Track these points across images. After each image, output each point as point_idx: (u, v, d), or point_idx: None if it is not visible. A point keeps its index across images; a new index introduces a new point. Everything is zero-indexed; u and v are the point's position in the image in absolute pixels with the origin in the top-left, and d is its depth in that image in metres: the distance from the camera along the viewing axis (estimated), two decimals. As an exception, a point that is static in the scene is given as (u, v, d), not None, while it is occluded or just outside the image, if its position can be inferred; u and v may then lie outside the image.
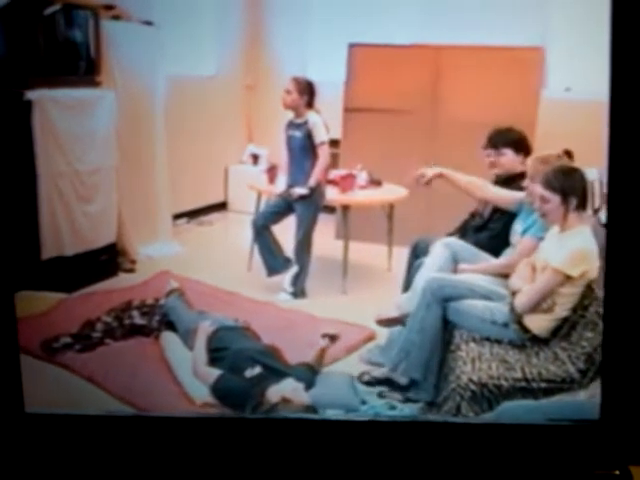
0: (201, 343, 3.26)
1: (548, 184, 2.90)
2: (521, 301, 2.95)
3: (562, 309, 2.90)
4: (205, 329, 3.30)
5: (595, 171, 2.92)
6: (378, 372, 3.24)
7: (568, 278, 2.86)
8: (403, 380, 3.14)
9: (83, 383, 3.09)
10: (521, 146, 3.36)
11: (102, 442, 2.62)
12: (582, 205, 2.90)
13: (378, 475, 2.55)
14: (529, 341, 2.94)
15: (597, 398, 2.64)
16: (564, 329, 2.92)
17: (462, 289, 3.13)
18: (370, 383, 3.20)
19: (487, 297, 3.12)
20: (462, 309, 3.08)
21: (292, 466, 2.57)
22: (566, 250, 2.88)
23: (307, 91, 3.91)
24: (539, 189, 2.92)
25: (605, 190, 2.91)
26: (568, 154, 3.05)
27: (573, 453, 2.53)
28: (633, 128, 2.42)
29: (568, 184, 2.89)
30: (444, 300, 3.11)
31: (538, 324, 2.93)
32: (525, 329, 2.95)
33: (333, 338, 3.27)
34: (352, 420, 2.75)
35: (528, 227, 3.15)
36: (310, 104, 3.92)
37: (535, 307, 2.92)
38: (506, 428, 2.60)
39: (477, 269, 3.26)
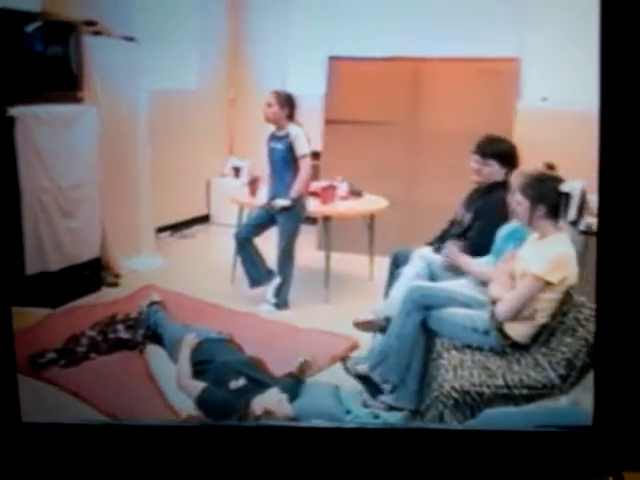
0: (185, 356, 3.26)
1: (522, 189, 3.00)
2: (503, 309, 2.97)
3: (542, 315, 2.93)
4: (189, 342, 3.30)
5: (579, 183, 3.00)
6: (361, 367, 3.27)
7: (548, 284, 2.89)
8: (385, 387, 3.16)
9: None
10: (508, 159, 3.37)
11: (98, 450, 2.62)
12: (553, 213, 2.98)
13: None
14: (509, 347, 2.97)
15: (579, 404, 2.68)
16: (544, 335, 2.94)
17: (442, 297, 3.15)
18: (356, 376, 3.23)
19: (467, 305, 3.15)
20: (443, 317, 3.10)
21: (279, 474, 2.58)
22: (545, 257, 2.92)
23: (288, 104, 3.94)
24: (516, 193, 3.02)
25: (586, 202, 3.00)
26: (550, 168, 3.10)
27: (567, 459, 2.55)
28: (622, 137, 2.44)
29: (539, 192, 2.98)
30: (425, 308, 3.13)
31: (518, 331, 2.96)
32: (505, 336, 2.97)
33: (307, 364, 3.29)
34: (338, 428, 2.75)
35: (509, 236, 3.19)
36: (291, 117, 3.94)
37: (516, 314, 2.95)
38: (499, 435, 2.60)
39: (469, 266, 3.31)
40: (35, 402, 2.75)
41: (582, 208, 3.08)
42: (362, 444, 2.65)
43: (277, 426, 2.79)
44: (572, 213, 3.03)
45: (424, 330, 3.12)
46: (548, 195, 2.98)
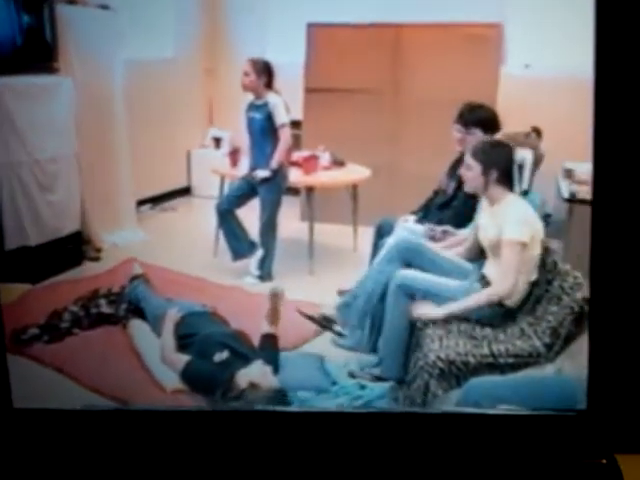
0: (169, 330, 3.26)
1: (474, 153, 3.07)
2: (502, 287, 2.98)
3: (529, 276, 2.95)
4: (172, 316, 3.29)
5: (530, 153, 3.09)
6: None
7: (523, 245, 2.93)
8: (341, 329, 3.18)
9: (57, 377, 3.08)
10: (490, 125, 3.35)
11: (90, 436, 2.61)
12: (505, 180, 3.03)
13: (359, 467, 2.55)
14: (500, 317, 2.98)
15: (563, 371, 2.69)
16: (529, 303, 2.96)
17: (426, 260, 3.15)
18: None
19: (449, 273, 3.16)
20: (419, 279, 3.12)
21: (271, 458, 2.58)
22: (511, 220, 2.97)
23: (265, 72, 3.88)
24: (467, 156, 3.08)
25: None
26: (536, 131, 3.10)
27: (560, 442, 2.55)
28: (617, 103, 2.40)
29: (491, 157, 3.04)
30: (406, 263, 3.13)
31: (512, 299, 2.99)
32: (501, 304, 2.99)
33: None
34: (331, 412, 2.77)
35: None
36: (269, 85, 3.89)
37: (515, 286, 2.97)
38: (492, 418, 2.61)
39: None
40: (26, 387, 2.72)
41: (532, 178, 3.12)
42: (352, 427, 2.64)
43: (269, 410, 2.78)
44: (525, 182, 3.10)
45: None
46: (501, 160, 3.03)
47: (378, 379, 3.12)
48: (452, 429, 2.60)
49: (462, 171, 3.12)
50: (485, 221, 3.09)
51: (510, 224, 2.96)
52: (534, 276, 2.98)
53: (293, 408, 2.87)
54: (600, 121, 2.37)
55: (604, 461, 2.52)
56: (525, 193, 3.09)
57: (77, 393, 2.97)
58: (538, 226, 2.98)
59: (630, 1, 2.31)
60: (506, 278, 2.97)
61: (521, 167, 3.09)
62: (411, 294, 3.09)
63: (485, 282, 3.04)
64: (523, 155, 3.11)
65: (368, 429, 2.62)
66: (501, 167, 3.03)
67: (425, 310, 3.07)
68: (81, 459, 2.56)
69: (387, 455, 2.56)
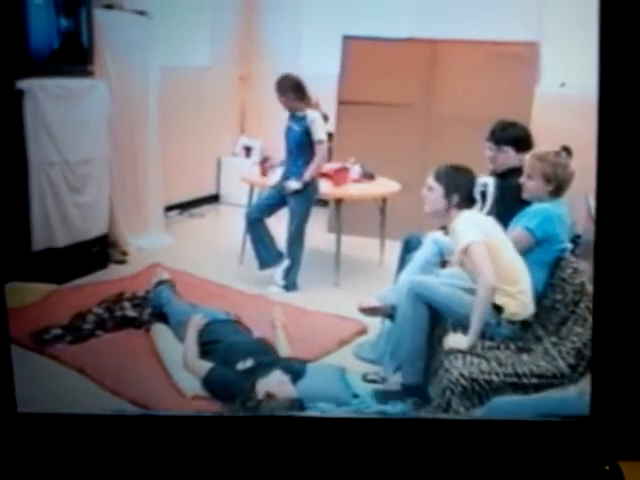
0: (192, 336, 3.26)
1: (437, 176, 3.15)
2: (486, 280, 2.99)
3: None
4: (196, 322, 3.29)
5: (491, 179, 3.17)
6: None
7: (480, 245, 3.02)
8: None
9: (75, 381, 3.07)
10: (523, 144, 3.33)
11: (95, 441, 2.61)
12: (466, 205, 3.12)
13: (370, 472, 2.54)
14: (522, 332, 2.97)
15: (587, 393, 2.66)
16: (553, 324, 2.94)
17: (442, 294, 3.13)
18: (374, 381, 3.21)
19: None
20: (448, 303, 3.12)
21: (283, 464, 2.56)
22: (457, 233, 3.08)
23: (295, 90, 3.90)
24: (429, 178, 3.16)
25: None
26: (566, 150, 3.09)
27: (563, 448, 2.54)
28: (622, 125, 2.44)
29: (454, 181, 3.11)
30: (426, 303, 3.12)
31: (514, 307, 2.99)
32: (510, 321, 2.98)
33: None
34: (343, 417, 2.75)
35: (518, 218, 3.16)
36: (302, 99, 3.90)
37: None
38: (496, 424, 2.60)
39: None
40: (31, 392, 2.72)
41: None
42: (365, 433, 2.64)
43: (281, 416, 2.77)
44: (487, 205, 3.15)
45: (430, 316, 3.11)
46: (462, 185, 3.11)
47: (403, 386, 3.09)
48: (457, 435, 2.60)
49: (424, 191, 3.19)
50: (450, 240, 3.18)
51: (459, 235, 3.05)
52: (526, 283, 3.00)
53: (309, 413, 2.85)
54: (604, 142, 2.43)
55: (607, 468, 2.50)
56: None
57: (86, 397, 2.98)
58: (488, 225, 3.09)
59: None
60: (483, 274, 2.98)
61: (484, 193, 3.11)
62: (427, 303, 3.09)
63: None
64: (485, 181, 3.14)
65: (378, 435, 2.63)
66: (463, 192, 3.11)
67: (454, 343, 3.03)
68: (87, 465, 2.56)
69: (393, 460, 2.55)
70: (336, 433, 2.64)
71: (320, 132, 3.92)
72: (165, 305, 3.48)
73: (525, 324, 3.03)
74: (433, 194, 3.14)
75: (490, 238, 3.07)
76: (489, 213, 3.34)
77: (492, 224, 3.14)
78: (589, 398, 2.54)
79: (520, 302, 3.01)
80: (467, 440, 2.58)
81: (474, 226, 3.07)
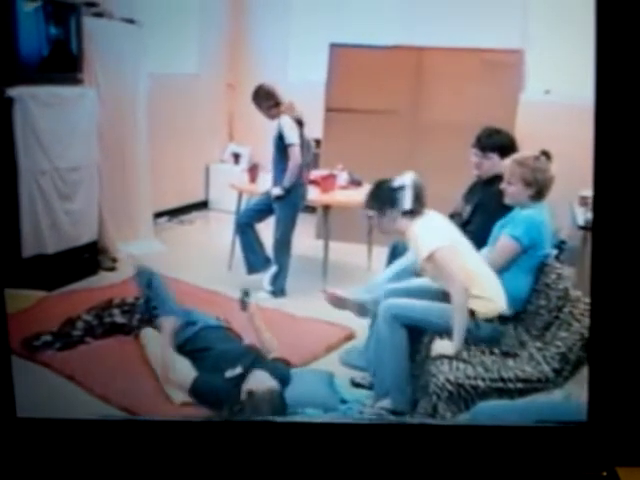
0: (166, 346, 3.24)
1: (366, 205, 3.23)
2: (459, 285, 3.01)
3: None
4: (169, 325, 3.29)
5: (409, 176, 3.14)
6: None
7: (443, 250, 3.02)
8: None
9: (72, 387, 3.09)
10: (507, 151, 3.35)
11: (92, 446, 2.61)
12: (409, 213, 3.12)
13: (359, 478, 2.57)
14: (503, 328, 3.04)
15: (573, 397, 2.69)
16: (537, 328, 2.96)
17: (418, 310, 3.14)
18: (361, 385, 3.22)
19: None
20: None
21: (273, 469, 2.58)
22: (419, 244, 3.07)
23: (266, 98, 3.93)
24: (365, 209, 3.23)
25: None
26: (546, 155, 3.10)
27: (561, 454, 2.55)
28: (618, 131, 2.45)
29: (380, 199, 3.17)
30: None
31: (484, 308, 3.02)
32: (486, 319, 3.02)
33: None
34: (336, 423, 2.76)
35: (503, 225, 3.18)
36: (276, 106, 3.93)
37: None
38: (494, 430, 2.61)
39: None
40: (30, 397, 2.73)
41: (419, 197, 3.13)
42: (355, 438, 2.64)
43: (272, 421, 2.79)
44: (407, 203, 3.11)
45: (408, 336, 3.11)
46: (386, 199, 3.14)
47: (393, 413, 3.09)
48: (453, 440, 2.61)
49: (368, 219, 3.29)
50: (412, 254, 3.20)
51: (419, 243, 3.07)
52: (489, 280, 3.05)
53: (297, 418, 2.87)
54: (600, 149, 2.43)
55: (605, 474, 2.52)
56: (411, 212, 3.13)
57: (82, 403, 2.99)
58: (448, 227, 3.13)
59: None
60: (455, 280, 2.99)
61: (402, 188, 3.12)
62: (405, 323, 3.07)
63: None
64: (402, 180, 3.13)
65: (370, 440, 2.63)
66: (389, 204, 3.12)
67: (442, 349, 3.05)
68: (85, 470, 2.57)
69: (387, 466, 2.56)
70: (325, 438, 2.65)
71: (291, 136, 3.93)
72: (155, 298, 3.45)
73: (503, 319, 3.05)
74: (374, 220, 3.22)
75: (453, 241, 3.08)
76: (468, 220, 3.38)
77: (450, 226, 3.18)
78: (587, 404, 2.55)
79: (488, 300, 3.02)
80: (465, 446, 2.59)
81: (434, 231, 3.08)
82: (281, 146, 3.94)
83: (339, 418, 2.92)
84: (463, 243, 3.12)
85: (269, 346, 3.24)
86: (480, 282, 3.04)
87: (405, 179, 3.13)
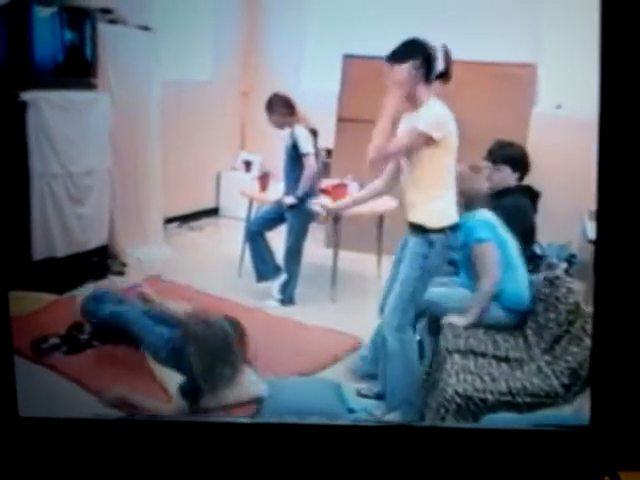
0: None
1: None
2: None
3: (430, 183, 2.99)
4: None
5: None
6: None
7: (430, 141, 2.93)
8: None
9: (74, 386, 3.07)
10: (519, 164, 3.37)
11: (95, 445, 2.61)
12: (426, 75, 3.01)
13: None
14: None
15: (581, 412, 2.67)
16: (546, 342, 2.96)
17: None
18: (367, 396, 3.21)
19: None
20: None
21: (277, 471, 2.58)
22: (427, 117, 2.95)
23: (282, 106, 3.94)
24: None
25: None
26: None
27: (563, 459, 2.55)
28: (622, 145, 2.47)
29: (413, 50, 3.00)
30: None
31: (428, 214, 3.00)
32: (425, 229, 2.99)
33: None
34: (340, 425, 2.75)
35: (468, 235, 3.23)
36: (292, 115, 3.93)
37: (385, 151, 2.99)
38: (496, 434, 2.61)
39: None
40: (33, 396, 2.73)
41: (448, 62, 3.06)
42: (358, 441, 2.64)
43: (275, 423, 2.78)
44: (440, 66, 3.03)
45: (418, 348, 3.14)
46: (420, 53, 3.00)
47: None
48: (456, 444, 2.61)
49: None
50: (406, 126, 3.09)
51: (427, 120, 2.95)
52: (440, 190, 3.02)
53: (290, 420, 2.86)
54: (604, 162, 2.45)
55: (607, 478, 2.51)
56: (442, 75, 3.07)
57: (84, 402, 2.97)
58: (452, 129, 3.00)
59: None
60: (388, 148, 3.01)
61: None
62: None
63: None
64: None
65: (374, 442, 2.64)
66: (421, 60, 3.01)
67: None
68: (87, 469, 2.57)
69: (394, 470, 2.56)
70: (328, 441, 2.65)
71: (306, 145, 3.94)
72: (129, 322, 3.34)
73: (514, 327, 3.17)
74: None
75: None
76: None
77: None
78: (589, 409, 2.56)
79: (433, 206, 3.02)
80: (467, 450, 2.59)
81: (443, 126, 2.99)
82: (294, 155, 3.95)
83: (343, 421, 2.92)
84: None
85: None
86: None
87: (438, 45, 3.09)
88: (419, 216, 2.99)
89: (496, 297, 3.18)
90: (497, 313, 3.18)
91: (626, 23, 2.43)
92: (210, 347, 2.93)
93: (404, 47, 2.98)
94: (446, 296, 3.19)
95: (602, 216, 2.50)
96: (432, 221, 2.97)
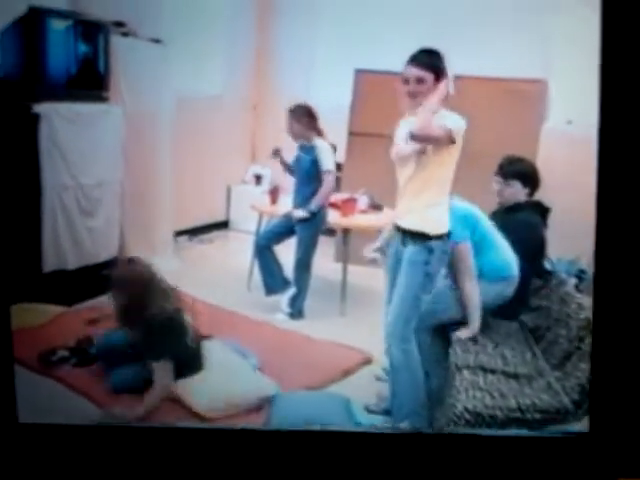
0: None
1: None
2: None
3: (433, 189, 2.97)
4: None
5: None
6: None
7: (449, 143, 2.92)
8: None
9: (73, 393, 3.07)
10: (529, 179, 3.36)
11: (94, 451, 2.62)
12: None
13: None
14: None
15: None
16: (556, 358, 2.94)
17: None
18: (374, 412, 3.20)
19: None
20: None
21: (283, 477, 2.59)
22: (451, 120, 2.93)
23: (306, 116, 3.92)
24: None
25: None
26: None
27: (563, 465, 2.55)
28: (621, 159, 2.50)
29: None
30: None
31: (428, 221, 2.96)
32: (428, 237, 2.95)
33: None
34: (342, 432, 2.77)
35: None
36: (314, 127, 3.93)
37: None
38: (496, 440, 2.61)
39: None
40: (32, 403, 2.74)
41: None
42: (359, 448, 2.66)
43: (282, 430, 2.78)
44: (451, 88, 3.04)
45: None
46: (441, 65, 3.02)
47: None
48: (456, 450, 2.61)
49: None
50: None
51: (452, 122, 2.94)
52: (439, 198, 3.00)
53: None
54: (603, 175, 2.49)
55: None
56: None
57: (84, 408, 2.97)
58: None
59: None
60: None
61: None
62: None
63: None
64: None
65: (373, 450, 2.65)
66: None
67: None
68: (86, 475, 2.58)
69: (398, 474, 2.57)
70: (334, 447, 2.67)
71: (329, 162, 3.92)
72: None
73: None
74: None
75: None
76: None
77: None
78: (588, 415, 2.57)
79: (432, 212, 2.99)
80: (468, 456, 2.59)
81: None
82: (313, 170, 3.93)
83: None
84: None
85: None
86: None
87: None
88: (418, 223, 2.96)
89: (481, 274, 3.15)
90: (491, 291, 3.16)
91: (626, 37, 2.47)
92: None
93: (428, 54, 3.03)
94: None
95: (601, 228, 2.57)
96: (433, 228, 2.94)
